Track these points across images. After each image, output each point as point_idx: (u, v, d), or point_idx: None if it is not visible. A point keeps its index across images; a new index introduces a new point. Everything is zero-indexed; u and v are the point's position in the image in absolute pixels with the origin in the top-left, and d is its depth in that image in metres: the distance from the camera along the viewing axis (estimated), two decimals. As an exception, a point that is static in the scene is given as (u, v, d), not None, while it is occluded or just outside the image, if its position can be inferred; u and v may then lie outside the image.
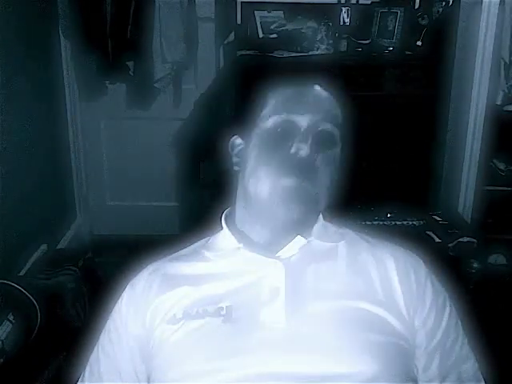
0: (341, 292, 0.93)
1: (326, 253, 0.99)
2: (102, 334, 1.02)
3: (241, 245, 0.98)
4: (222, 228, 1.04)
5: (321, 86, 1.01)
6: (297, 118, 0.96)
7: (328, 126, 0.96)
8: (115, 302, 1.03)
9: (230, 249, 1.00)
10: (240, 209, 1.03)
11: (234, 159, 1.06)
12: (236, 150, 1.06)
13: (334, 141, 0.98)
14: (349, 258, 0.99)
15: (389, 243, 1.05)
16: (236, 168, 1.04)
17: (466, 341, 0.99)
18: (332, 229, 1.04)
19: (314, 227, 1.01)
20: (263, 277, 0.94)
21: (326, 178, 0.95)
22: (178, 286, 0.97)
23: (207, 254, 1.02)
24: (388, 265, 0.98)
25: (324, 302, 0.91)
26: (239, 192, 1.03)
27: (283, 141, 0.95)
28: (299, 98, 0.98)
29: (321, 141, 0.95)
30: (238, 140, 1.07)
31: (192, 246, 1.09)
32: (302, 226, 0.98)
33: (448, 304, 0.99)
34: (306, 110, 0.96)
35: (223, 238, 1.02)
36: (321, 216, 1.04)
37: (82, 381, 1.02)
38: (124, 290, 1.03)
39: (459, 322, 0.99)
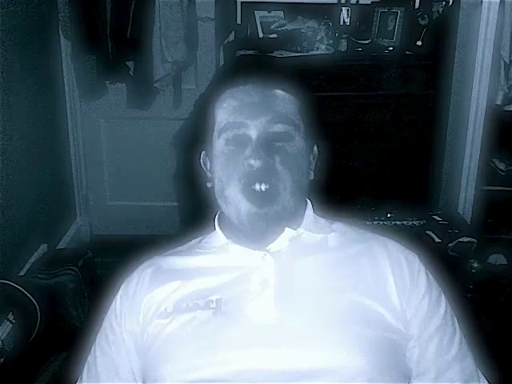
0: (331, 285, 0.92)
1: (317, 244, 0.99)
2: (99, 333, 1.03)
3: (229, 240, 0.99)
4: (215, 229, 1.04)
5: (268, 85, 0.98)
6: (246, 129, 0.94)
7: (279, 127, 0.95)
8: (111, 301, 1.03)
9: (221, 245, 1.01)
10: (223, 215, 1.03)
11: (208, 174, 1.04)
12: (208, 166, 1.04)
13: (289, 137, 0.96)
14: (340, 249, 0.98)
15: (381, 236, 1.04)
16: (209, 185, 1.03)
17: (463, 337, 0.97)
18: (322, 222, 1.04)
19: (304, 219, 1.01)
20: (253, 270, 0.94)
21: (289, 174, 0.94)
22: (169, 281, 0.98)
23: (200, 251, 1.03)
24: (380, 256, 0.97)
25: (314, 295, 0.91)
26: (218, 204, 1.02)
27: (238, 156, 0.94)
28: (245, 105, 0.96)
29: (275, 141, 0.95)
30: (206, 157, 1.05)
31: (186, 244, 1.09)
32: (275, 232, 0.97)
33: (443, 299, 0.98)
34: (254, 116, 0.94)
35: (215, 236, 1.03)
36: (310, 208, 1.04)
37: (80, 381, 1.02)
38: (119, 288, 1.04)
39: (455, 319, 0.98)
